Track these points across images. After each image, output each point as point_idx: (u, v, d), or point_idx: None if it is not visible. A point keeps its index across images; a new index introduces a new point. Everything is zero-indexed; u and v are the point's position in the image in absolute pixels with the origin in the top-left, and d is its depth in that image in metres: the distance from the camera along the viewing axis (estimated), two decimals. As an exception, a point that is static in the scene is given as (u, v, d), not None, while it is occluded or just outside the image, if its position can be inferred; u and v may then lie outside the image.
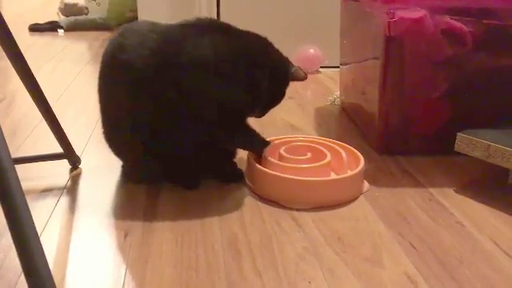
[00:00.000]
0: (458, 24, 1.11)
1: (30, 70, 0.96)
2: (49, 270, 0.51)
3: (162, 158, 1.00)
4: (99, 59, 1.02)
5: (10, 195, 0.52)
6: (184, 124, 0.97)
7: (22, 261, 0.51)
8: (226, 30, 1.01)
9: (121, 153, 1.06)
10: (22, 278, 0.73)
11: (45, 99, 1.01)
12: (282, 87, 1.05)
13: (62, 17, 3.13)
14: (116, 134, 1.03)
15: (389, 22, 1.10)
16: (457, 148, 1.04)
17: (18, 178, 0.54)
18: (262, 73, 0.99)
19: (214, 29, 1.00)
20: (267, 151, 1.04)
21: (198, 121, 0.97)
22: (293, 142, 1.14)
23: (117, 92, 0.99)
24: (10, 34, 0.90)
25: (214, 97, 0.96)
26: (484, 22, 1.10)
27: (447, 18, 1.11)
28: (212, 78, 0.95)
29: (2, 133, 0.56)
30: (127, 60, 0.95)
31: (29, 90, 0.99)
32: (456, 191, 1.04)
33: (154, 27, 1.01)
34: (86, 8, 3.19)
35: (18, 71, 0.96)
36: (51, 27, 2.94)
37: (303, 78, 1.04)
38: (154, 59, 0.95)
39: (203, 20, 1.03)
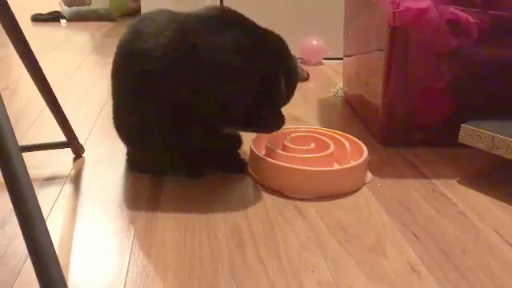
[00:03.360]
0: (463, 14, 1.10)
1: (34, 56, 0.96)
2: (55, 255, 0.51)
3: (169, 148, 1.00)
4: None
5: (17, 181, 0.52)
6: (195, 118, 0.96)
7: (28, 245, 0.51)
8: (246, 25, 0.97)
9: (127, 139, 1.05)
10: (27, 265, 0.74)
11: (48, 86, 1.01)
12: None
13: (65, 7, 3.12)
14: (125, 119, 1.03)
15: (393, 11, 1.09)
16: (461, 139, 1.04)
17: (24, 164, 0.55)
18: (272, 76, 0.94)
19: (234, 23, 0.97)
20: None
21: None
22: (296, 132, 1.14)
23: (129, 80, 0.98)
24: (14, 18, 0.90)
25: (228, 93, 0.93)
26: (490, 12, 1.10)
27: (452, 9, 1.10)
28: (229, 76, 0.92)
29: (8, 120, 0.56)
30: (143, 48, 0.94)
31: (32, 77, 0.98)
32: (459, 182, 1.04)
33: (173, 17, 0.99)
34: (89, -2, 3.19)
35: (21, 57, 0.95)
36: (53, 17, 2.93)
37: (305, 79, 1.03)
38: (171, 50, 0.93)
39: (225, 11, 1.00)
